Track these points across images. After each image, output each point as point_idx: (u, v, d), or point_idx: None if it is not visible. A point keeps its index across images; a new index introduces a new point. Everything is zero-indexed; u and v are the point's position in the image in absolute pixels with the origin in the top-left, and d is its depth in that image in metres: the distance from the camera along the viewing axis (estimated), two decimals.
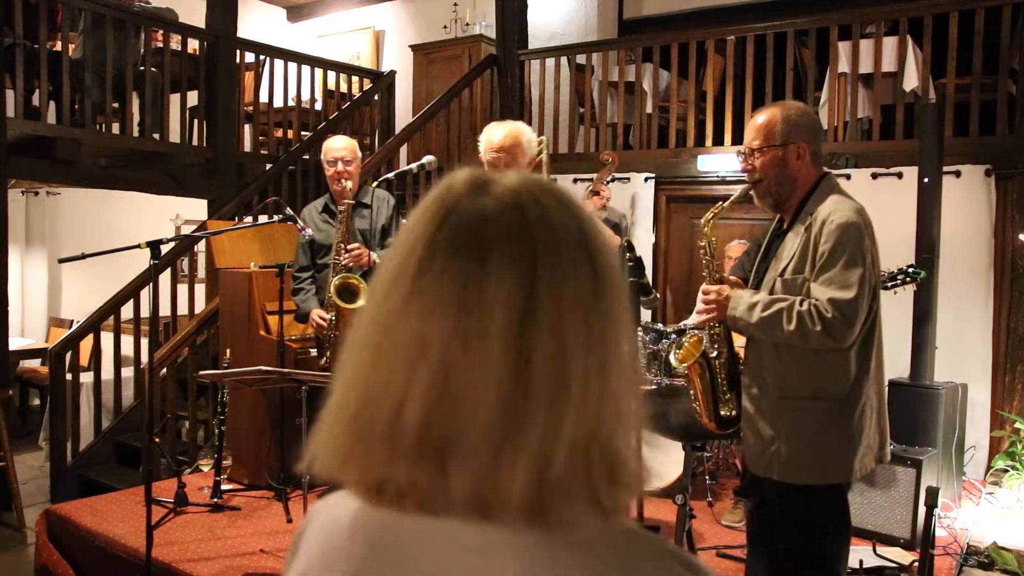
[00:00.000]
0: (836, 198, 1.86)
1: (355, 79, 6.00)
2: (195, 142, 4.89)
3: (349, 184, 2.96)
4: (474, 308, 0.48)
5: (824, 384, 1.81)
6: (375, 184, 2.99)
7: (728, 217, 4.20)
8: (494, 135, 2.33)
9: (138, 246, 2.47)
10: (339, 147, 3.10)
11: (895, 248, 3.56)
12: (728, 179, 4.54)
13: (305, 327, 3.28)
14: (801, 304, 1.76)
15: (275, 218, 3.25)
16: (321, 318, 2.96)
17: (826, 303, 1.73)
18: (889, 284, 3.06)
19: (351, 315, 2.91)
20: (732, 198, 1.99)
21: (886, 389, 1.91)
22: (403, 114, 6.13)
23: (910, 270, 3.02)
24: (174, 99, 4.84)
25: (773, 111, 1.90)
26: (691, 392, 2.05)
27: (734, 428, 2.01)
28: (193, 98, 4.90)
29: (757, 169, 1.89)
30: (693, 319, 4.01)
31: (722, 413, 2.00)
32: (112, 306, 4.10)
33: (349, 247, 2.88)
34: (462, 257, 0.49)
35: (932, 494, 2.37)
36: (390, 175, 3.10)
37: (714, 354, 1.99)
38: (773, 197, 1.91)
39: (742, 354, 2.01)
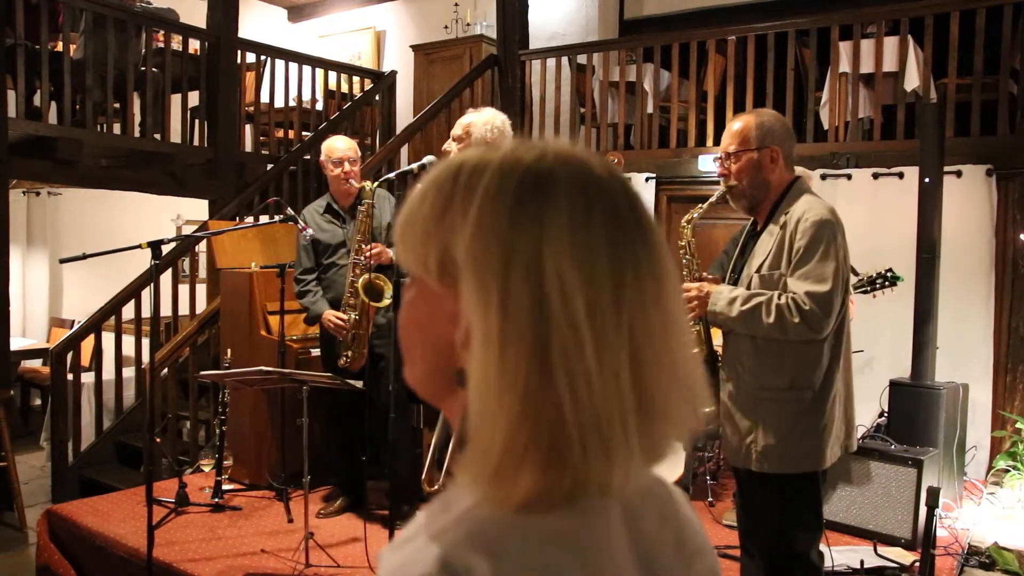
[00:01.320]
0: (809, 198, 1.94)
1: (356, 79, 6.01)
2: (196, 142, 4.89)
3: (366, 184, 2.96)
4: (650, 278, 0.51)
5: (799, 375, 1.88)
6: (376, 184, 2.99)
7: (728, 217, 4.20)
8: (457, 122, 2.50)
9: (139, 246, 2.47)
10: (344, 147, 3.09)
11: (896, 248, 3.57)
12: None
13: (307, 328, 3.28)
14: (779, 298, 1.84)
15: (276, 218, 3.25)
16: (339, 318, 2.95)
17: (803, 296, 1.81)
18: (868, 288, 3.07)
19: (375, 313, 2.91)
20: (710, 200, 2.08)
21: (853, 381, 1.98)
22: (404, 114, 6.14)
23: (888, 274, 3.04)
24: (175, 99, 4.85)
25: (748, 117, 2.00)
26: None
27: (712, 423, 2.06)
28: (194, 98, 4.91)
29: (733, 174, 1.98)
30: None
31: None
32: (113, 306, 4.11)
33: (368, 247, 2.88)
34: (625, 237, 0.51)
35: (933, 494, 2.37)
36: (391, 175, 3.10)
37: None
38: (748, 199, 2.00)
39: (720, 352, 2.06)
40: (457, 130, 2.48)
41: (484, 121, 2.44)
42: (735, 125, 1.99)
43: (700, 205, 2.10)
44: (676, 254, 2.15)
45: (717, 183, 5.43)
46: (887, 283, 3.07)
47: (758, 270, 1.92)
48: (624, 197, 0.51)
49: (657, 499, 0.57)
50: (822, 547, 2.02)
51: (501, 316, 0.47)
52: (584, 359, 0.46)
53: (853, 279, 3.09)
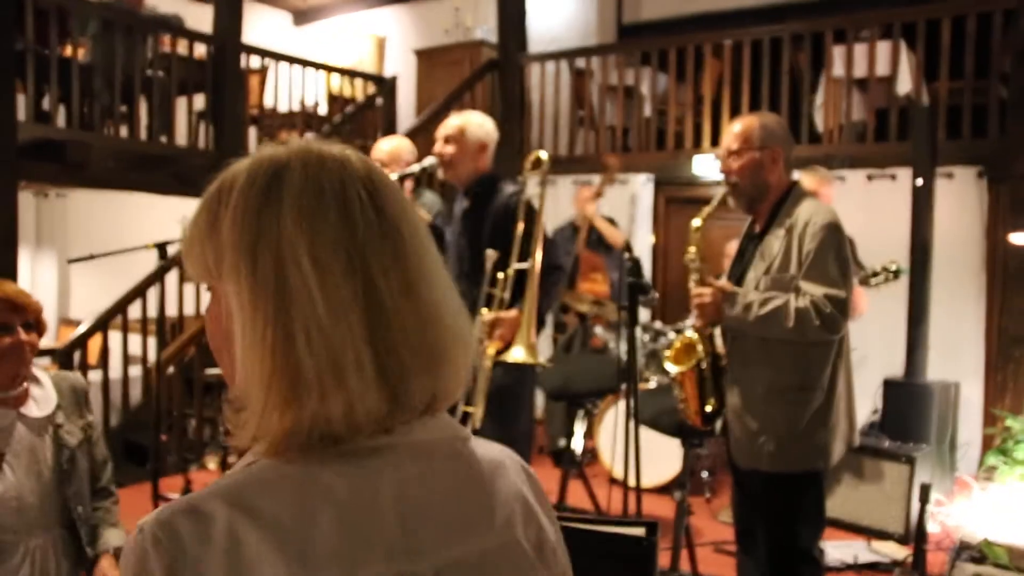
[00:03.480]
0: (812, 201, 1.97)
1: (359, 83, 6.07)
2: (202, 145, 4.95)
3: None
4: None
5: (809, 375, 1.90)
6: None
7: (726, 217, 4.26)
8: (444, 124, 2.56)
9: (146, 247, 2.53)
10: (378, 150, 3.07)
11: (890, 249, 3.62)
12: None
13: None
14: (797, 301, 1.84)
15: None
16: None
17: (822, 298, 1.82)
18: (872, 282, 3.12)
19: None
20: (712, 203, 2.07)
21: (853, 378, 2.01)
22: (406, 118, 6.20)
23: (893, 268, 3.08)
24: (181, 103, 4.91)
25: (750, 118, 2.03)
26: (678, 393, 2.09)
27: (715, 421, 2.08)
28: (200, 102, 4.97)
29: (734, 171, 1.99)
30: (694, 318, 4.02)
31: (707, 409, 2.06)
32: (120, 306, 4.15)
33: None
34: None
35: (925, 490, 2.43)
36: (391, 177, 3.16)
37: (703, 354, 2.04)
38: (748, 199, 2.01)
39: (721, 351, 2.06)
40: (450, 130, 2.52)
41: (479, 123, 2.51)
42: (737, 126, 2.01)
43: (705, 208, 2.07)
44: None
45: (714, 184, 5.47)
46: (892, 276, 3.11)
47: (766, 272, 1.92)
48: (360, 178, 0.58)
49: (452, 455, 0.59)
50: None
51: (250, 286, 0.55)
52: (316, 309, 0.54)
53: (859, 273, 3.13)
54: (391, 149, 3.13)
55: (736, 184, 2.00)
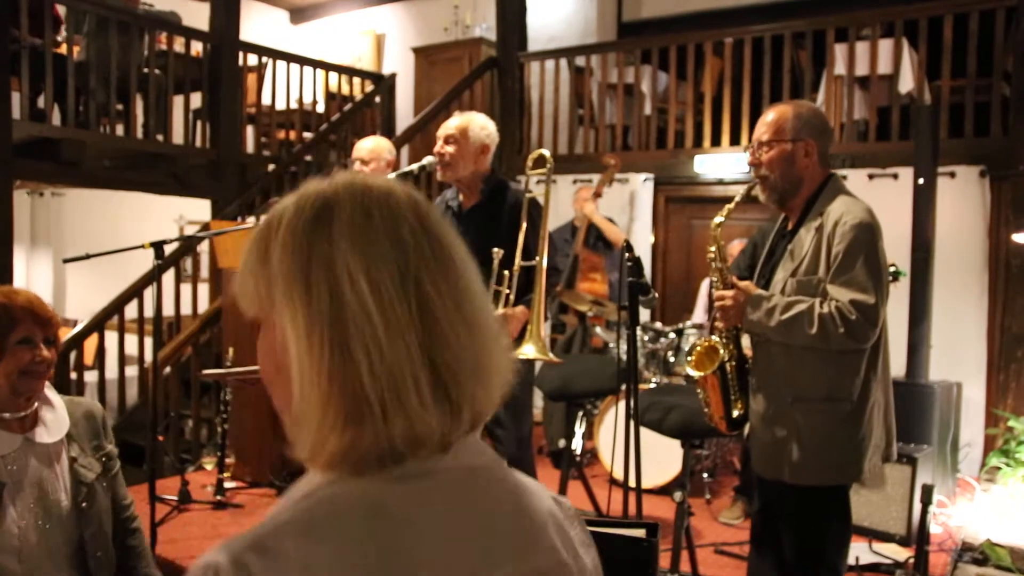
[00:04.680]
0: (846, 198, 1.84)
1: (356, 81, 6.05)
2: (198, 143, 4.93)
3: None
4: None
5: (837, 385, 1.80)
6: None
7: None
8: (445, 124, 2.53)
9: (142, 246, 2.50)
10: (360, 147, 3.05)
11: (891, 248, 3.56)
12: (725, 180, 4.58)
13: None
14: (822, 306, 1.74)
15: None
16: None
17: (848, 305, 1.71)
18: None
19: None
20: (737, 198, 1.93)
21: (891, 388, 1.92)
22: (404, 116, 6.18)
23: (891, 270, 3.06)
24: (178, 101, 4.88)
25: (785, 107, 1.89)
26: (702, 397, 2.01)
27: (742, 426, 2.02)
28: (196, 100, 4.95)
29: (764, 164, 1.87)
30: (697, 319, 3.99)
31: (734, 414, 1.99)
32: (116, 306, 4.14)
33: None
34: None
35: (927, 491, 2.41)
36: (391, 176, 3.15)
37: (726, 357, 1.96)
38: (779, 193, 1.89)
39: (748, 354, 2.00)
40: (451, 131, 2.51)
41: (481, 125, 2.51)
42: (770, 115, 1.88)
43: (727, 205, 1.93)
44: (695, 254, 2.09)
45: (714, 183, 5.44)
46: (890, 278, 3.09)
47: (793, 274, 1.82)
48: (405, 204, 0.60)
49: (495, 479, 0.61)
50: None
51: (305, 310, 0.56)
52: (374, 329, 0.54)
53: None
54: (371, 148, 3.14)
55: (766, 177, 1.87)
